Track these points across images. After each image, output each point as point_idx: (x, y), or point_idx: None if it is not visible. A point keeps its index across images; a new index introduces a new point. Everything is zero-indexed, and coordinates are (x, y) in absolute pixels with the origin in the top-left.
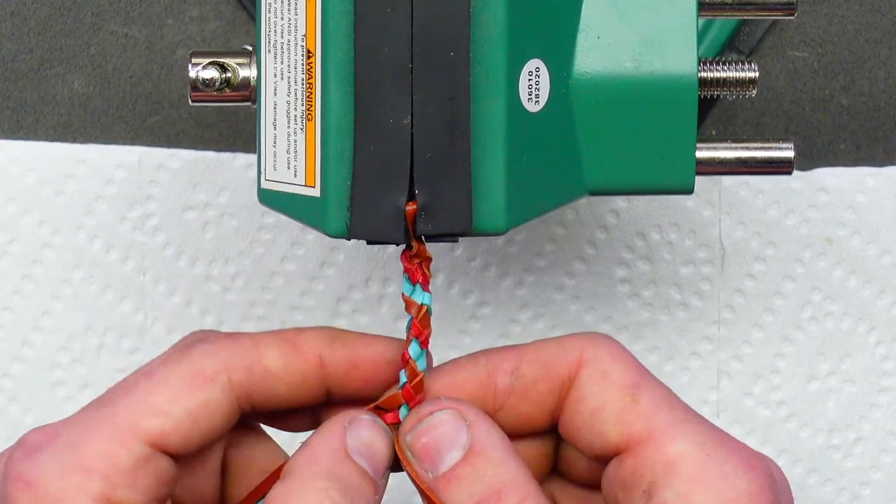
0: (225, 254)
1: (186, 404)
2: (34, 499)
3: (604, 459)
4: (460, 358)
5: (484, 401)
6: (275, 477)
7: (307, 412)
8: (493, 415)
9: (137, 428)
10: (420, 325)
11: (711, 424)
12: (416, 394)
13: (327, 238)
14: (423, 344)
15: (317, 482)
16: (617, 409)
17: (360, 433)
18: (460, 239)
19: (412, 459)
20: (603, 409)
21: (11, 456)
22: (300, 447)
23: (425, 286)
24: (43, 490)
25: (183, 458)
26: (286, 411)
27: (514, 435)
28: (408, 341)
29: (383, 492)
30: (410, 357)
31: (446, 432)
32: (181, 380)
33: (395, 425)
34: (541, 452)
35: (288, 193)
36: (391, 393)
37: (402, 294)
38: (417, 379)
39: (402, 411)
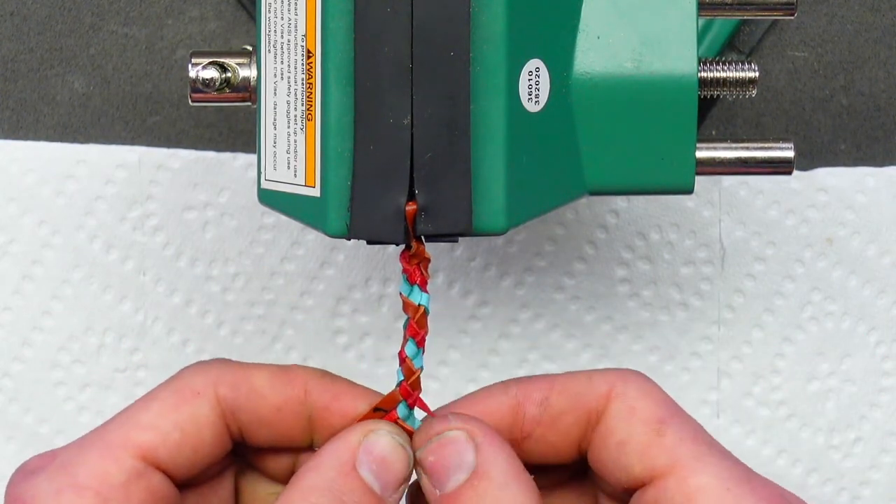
0: (225, 254)
1: (174, 417)
2: None
3: (629, 492)
4: (491, 385)
5: (512, 429)
6: None
7: (290, 455)
8: (519, 442)
9: (127, 443)
10: (417, 326)
11: (736, 460)
12: (413, 391)
13: (327, 238)
14: (420, 343)
15: (311, 496)
16: (642, 442)
17: (375, 447)
18: (460, 239)
19: (422, 474)
20: (628, 443)
21: (11, 479)
22: (314, 454)
23: (423, 287)
24: None
25: (180, 478)
26: (274, 451)
27: (541, 463)
28: (404, 340)
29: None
30: (407, 356)
31: (454, 452)
32: (170, 395)
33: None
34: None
35: (288, 193)
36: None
37: (400, 294)
38: (414, 377)
39: (400, 410)
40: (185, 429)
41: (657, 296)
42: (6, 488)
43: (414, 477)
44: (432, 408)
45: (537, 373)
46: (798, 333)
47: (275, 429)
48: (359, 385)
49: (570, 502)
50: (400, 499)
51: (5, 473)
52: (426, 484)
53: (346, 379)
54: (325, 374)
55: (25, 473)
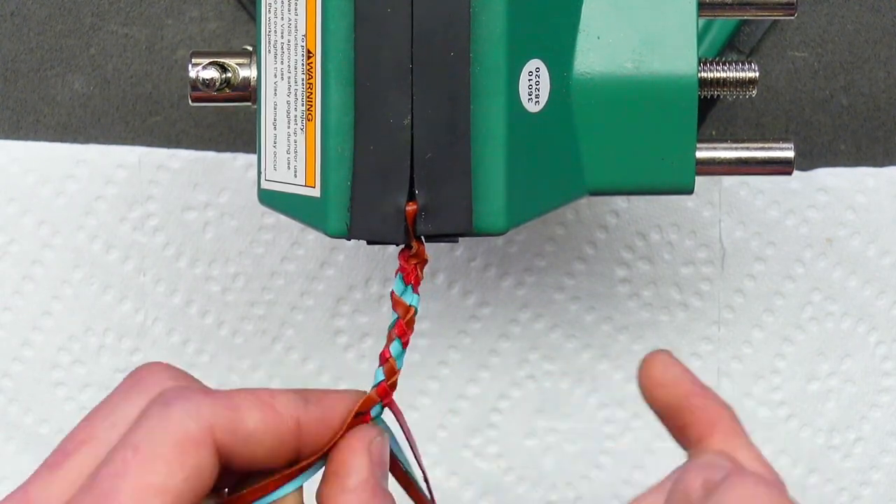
0: (225, 254)
1: (183, 475)
2: None
3: None
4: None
5: None
6: (267, 486)
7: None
8: None
9: None
10: (405, 326)
11: None
12: (391, 391)
13: (327, 238)
14: (405, 345)
15: None
16: None
17: (381, 457)
18: (460, 239)
19: None
20: None
21: None
22: (327, 479)
23: (416, 288)
24: None
25: None
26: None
27: None
28: (389, 339)
29: None
30: (391, 356)
31: None
32: (171, 450)
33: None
34: None
35: (288, 193)
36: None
37: (392, 292)
38: (394, 378)
39: (374, 411)
40: (194, 483)
41: (657, 296)
42: None
43: None
44: (430, 418)
45: (537, 373)
46: (798, 333)
47: (266, 463)
48: (332, 392)
49: None
50: None
51: (5, 474)
52: None
53: (323, 393)
54: (307, 401)
55: None
